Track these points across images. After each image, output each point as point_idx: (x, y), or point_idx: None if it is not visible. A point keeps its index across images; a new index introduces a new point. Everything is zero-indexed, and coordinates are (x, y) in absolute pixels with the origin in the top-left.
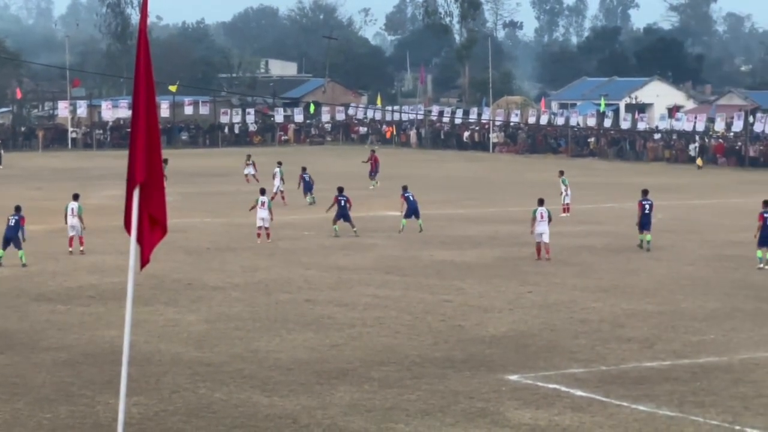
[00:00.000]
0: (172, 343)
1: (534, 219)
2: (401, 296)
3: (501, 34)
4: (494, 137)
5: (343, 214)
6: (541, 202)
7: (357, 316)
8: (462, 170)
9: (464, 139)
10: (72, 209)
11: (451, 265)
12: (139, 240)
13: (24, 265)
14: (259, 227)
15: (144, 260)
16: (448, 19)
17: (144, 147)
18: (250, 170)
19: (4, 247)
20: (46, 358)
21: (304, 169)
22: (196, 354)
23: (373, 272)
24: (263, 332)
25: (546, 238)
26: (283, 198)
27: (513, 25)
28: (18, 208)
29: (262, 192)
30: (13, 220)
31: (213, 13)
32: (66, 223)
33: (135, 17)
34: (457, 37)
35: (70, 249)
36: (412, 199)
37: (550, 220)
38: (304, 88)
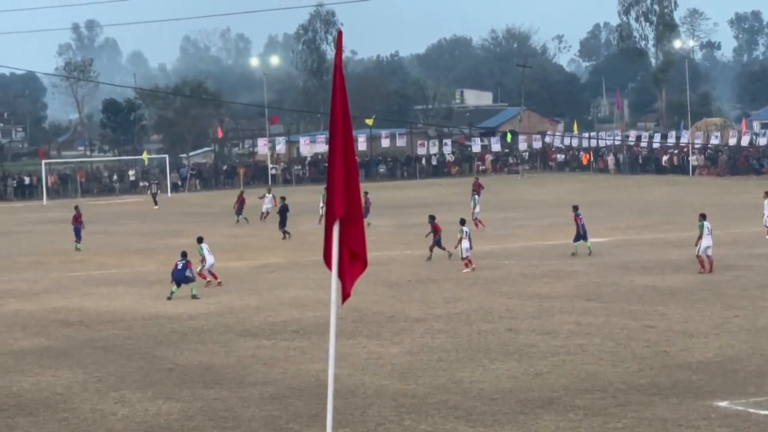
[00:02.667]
0: (376, 375)
1: (701, 234)
2: (604, 323)
3: (698, 55)
4: (694, 160)
5: (437, 241)
6: (703, 217)
7: (560, 344)
8: (661, 194)
9: (663, 163)
10: (207, 248)
11: (653, 291)
12: (340, 274)
13: (194, 296)
14: (465, 257)
15: (345, 294)
16: (643, 43)
17: (342, 181)
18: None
19: (178, 285)
20: (254, 393)
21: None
22: (400, 386)
23: (575, 299)
24: (466, 363)
25: (710, 252)
26: (478, 223)
27: (710, 46)
28: (185, 254)
29: (462, 222)
30: (181, 264)
31: (407, 45)
32: (204, 261)
33: (330, 53)
34: (652, 61)
35: (208, 280)
36: (581, 222)
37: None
38: (500, 117)
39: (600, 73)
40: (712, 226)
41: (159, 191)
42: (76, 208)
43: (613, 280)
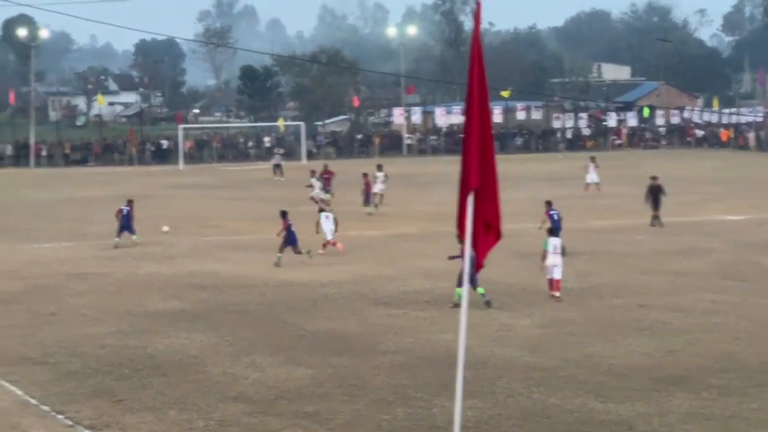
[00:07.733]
0: (506, 347)
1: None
2: (740, 302)
3: None
4: None
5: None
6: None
7: (694, 322)
8: None
9: None
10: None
11: None
12: (474, 245)
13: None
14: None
15: (478, 265)
16: None
17: (478, 153)
18: (592, 177)
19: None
20: (384, 361)
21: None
22: (530, 358)
23: (710, 277)
24: (597, 337)
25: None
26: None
27: None
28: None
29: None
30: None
31: (545, 18)
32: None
33: (468, 24)
34: None
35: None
36: (556, 218)
37: None
38: (638, 92)
39: (743, 49)
40: None
41: (283, 162)
42: (129, 201)
43: (751, 259)
